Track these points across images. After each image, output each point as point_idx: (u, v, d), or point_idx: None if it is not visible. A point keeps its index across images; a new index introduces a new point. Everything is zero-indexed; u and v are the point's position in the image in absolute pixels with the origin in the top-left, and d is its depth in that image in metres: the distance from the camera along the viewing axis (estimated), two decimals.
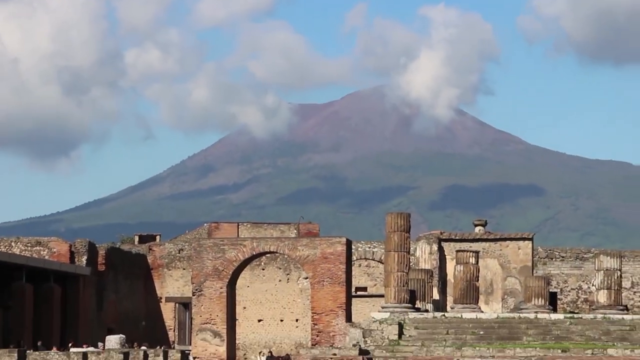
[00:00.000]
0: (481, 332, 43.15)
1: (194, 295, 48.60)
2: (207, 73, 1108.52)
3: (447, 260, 54.32)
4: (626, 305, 48.02)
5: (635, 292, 54.13)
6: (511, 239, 57.17)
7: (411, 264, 48.34)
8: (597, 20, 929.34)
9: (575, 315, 47.13)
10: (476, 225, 57.55)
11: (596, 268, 47.97)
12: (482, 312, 48.04)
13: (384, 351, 41.22)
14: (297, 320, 58.62)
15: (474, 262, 48.70)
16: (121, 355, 33.64)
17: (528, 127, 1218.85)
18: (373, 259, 55.69)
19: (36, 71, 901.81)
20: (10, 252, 52.84)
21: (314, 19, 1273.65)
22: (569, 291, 58.05)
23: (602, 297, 45.02)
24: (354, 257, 50.70)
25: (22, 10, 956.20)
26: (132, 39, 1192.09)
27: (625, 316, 43.63)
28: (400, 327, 42.75)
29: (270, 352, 51.89)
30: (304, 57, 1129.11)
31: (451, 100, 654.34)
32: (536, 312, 44.77)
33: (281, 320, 59.57)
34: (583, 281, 55.96)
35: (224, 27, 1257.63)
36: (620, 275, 47.58)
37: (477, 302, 49.07)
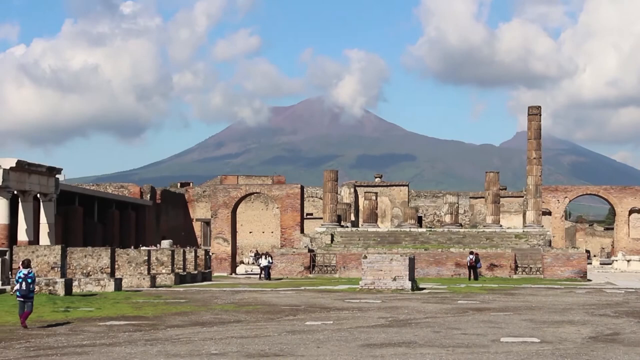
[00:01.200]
0: (378, 239, 41.91)
1: (212, 217, 45.84)
2: (220, 88, 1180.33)
3: (359, 198, 50.57)
4: (461, 224, 45.79)
5: (465, 216, 52.08)
6: (396, 185, 54.98)
7: (338, 199, 46.03)
8: (444, 58, 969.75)
9: (432, 229, 45.52)
10: (376, 177, 55.88)
11: (444, 202, 46.17)
12: (379, 227, 45.59)
13: (322, 250, 39.07)
14: (272, 232, 55.01)
15: (374, 199, 46.32)
16: (169, 251, 31.85)
17: (406, 120, 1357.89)
18: (317, 197, 53.57)
19: (120, 86, 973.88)
20: (106, 191, 51.11)
21: (283, 56, 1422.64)
22: (429, 215, 55.84)
23: (447, 218, 43.14)
24: (306, 196, 48.62)
25: (111, 51, 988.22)
26: (177, 66, 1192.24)
27: (460, 229, 42.16)
28: (332, 236, 41.26)
29: (257, 250, 49.28)
30: (277, 78, 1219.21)
31: (362, 104, 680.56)
32: (410, 228, 42.68)
33: (262, 232, 56.59)
34: (437, 210, 53.83)
35: (229, 61, 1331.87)
36: (458, 207, 45.70)
37: (376, 222, 46.56)
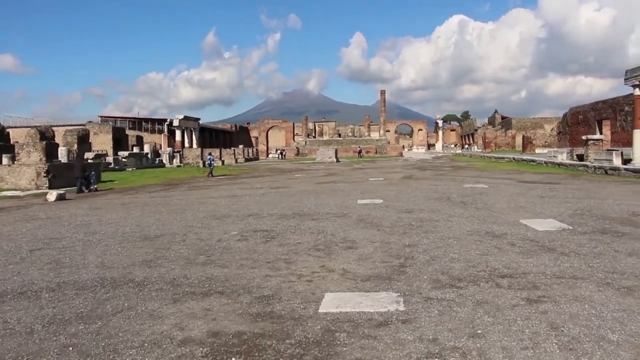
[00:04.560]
0: (323, 143, 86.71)
1: (259, 135, 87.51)
2: None
3: (317, 126, 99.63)
4: (355, 136, 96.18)
5: (357, 132, 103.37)
6: (330, 121, 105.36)
7: (308, 128, 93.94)
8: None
9: (344, 139, 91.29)
10: (322, 119, 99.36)
11: (349, 128, 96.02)
12: (323, 138, 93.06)
13: (301, 147, 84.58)
14: (282, 142, 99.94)
15: (322, 126, 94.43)
16: (242, 149, 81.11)
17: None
18: (300, 126, 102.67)
19: None
20: (217, 127, 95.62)
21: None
22: (343, 134, 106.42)
23: (349, 133, 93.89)
24: (297, 126, 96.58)
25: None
26: None
27: (354, 138, 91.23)
28: (305, 142, 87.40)
29: (276, 148, 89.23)
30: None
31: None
32: (336, 138, 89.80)
33: (279, 142, 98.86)
34: (346, 130, 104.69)
35: None
36: (354, 129, 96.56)
37: (322, 136, 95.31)
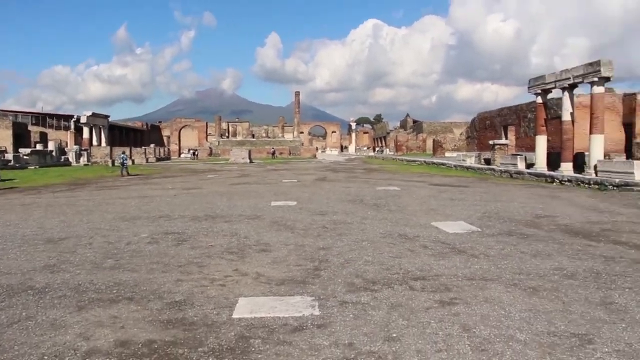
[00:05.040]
0: (237, 143, 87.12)
1: (171, 135, 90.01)
2: None
3: (230, 126, 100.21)
4: (269, 136, 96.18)
5: (272, 133, 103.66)
6: (244, 122, 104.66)
7: (222, 128, 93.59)
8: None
9: (258, 139, 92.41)
10: (236, 119, 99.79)
11: (262, 128, 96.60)
12: (237, 138, 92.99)
13: (215, 148, 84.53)
14: (195, 141, 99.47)
15: (236, 127, 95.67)
16: (153, 148, 79.42)
17: None
18: (213, 126, 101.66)
19: None
20: (128, 125, 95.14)
21: None
22: (257, 134, 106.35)
23: (264, 133, 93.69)
24: (211, 126, 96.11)
25: None
26: None
27: (268, 139, 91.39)
28: (219, 142, 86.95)
29: (189, 148, 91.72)
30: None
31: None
32: (249, 138, 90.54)
33: (191, 142, 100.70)
34: (260, 131, 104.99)
35: None
36: (268, 130, 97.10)
37: (236, 137, 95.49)
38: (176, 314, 5.72)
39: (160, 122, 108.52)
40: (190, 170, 40.07)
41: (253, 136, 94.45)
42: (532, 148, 32.89)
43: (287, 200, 16.86)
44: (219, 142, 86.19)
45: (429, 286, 6.67)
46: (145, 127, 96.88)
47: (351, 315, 5.60)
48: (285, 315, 5.60)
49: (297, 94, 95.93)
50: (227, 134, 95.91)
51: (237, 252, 8.82)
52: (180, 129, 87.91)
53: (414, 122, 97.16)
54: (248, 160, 56.85)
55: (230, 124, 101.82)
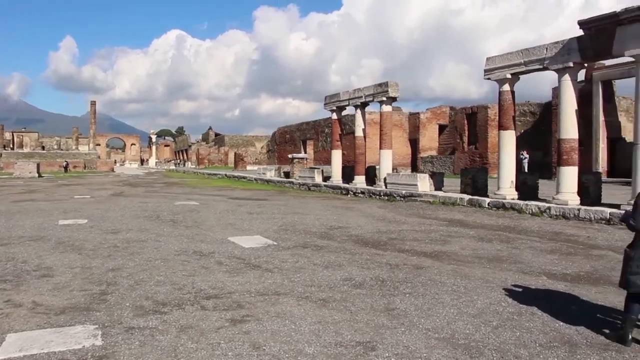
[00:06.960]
0: (23, 156, 78.28)
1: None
2: None
3: (15, 136, 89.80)
4: (62, 148, 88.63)
5: (64, 145, 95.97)
6: (32, 132, 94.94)
7: (3, 139, 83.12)
8: None
9: (48, 152, 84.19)
10: (37, 133, 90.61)
11: (56, 140, 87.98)
12: (23, 150, 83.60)
13: None
14: None
15: (22, 137, 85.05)
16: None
17: None
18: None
19: None
20: None
21: None
22: (47, 145, 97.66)
23: (46, 145, 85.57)
24: None
25: None
26: None
27: (60, 151, 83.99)
28: (1, 154, 77.64)
29: None
30: None
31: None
32: (37, 151, 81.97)
33: None
34: (45, 142, 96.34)
35: None
36: (61, 142, 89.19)
37: (22, 149, 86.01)
38: None
39: None
40: None
41: (43, 148, 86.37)
42: (329, 161, 34.66)
43: (78, 218, 15.59)
44: (1, 154, 77.38)
45: (221, 304, 6.48)
46: None
47: (137, 343, 5.19)
48: (62, 349, 4.98)
49: (93, 103, 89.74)
50: (11, 145, 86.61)
51: (11, 279, 7.79)
52: None
53: (216, 135, 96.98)
54: (36, 174, 51.82)
55: (15, 134, 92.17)
